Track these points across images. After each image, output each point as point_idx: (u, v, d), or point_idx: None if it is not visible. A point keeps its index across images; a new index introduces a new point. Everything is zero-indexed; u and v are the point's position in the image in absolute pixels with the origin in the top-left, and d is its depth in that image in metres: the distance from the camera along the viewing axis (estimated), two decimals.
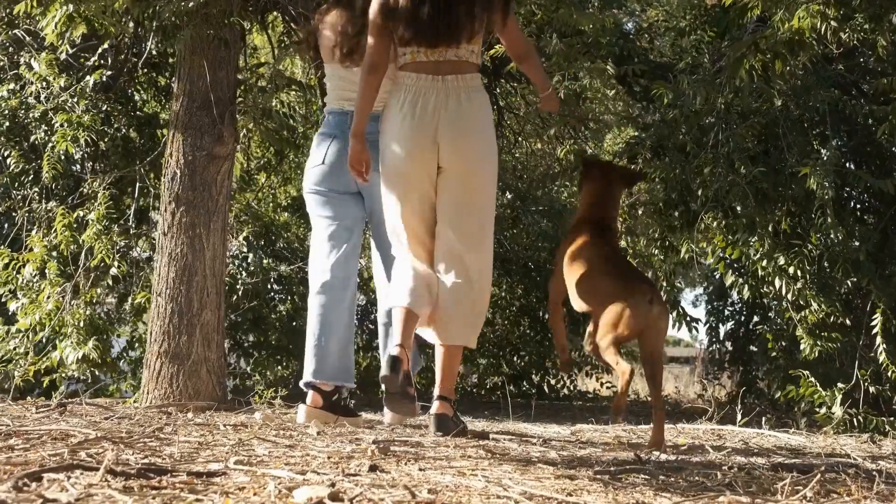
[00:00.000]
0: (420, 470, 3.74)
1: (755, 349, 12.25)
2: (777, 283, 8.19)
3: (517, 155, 13.12)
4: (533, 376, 12.67)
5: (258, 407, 6.80)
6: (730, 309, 12.42)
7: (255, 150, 12.44)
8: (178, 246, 6.50)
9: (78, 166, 9.34)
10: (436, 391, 5.38)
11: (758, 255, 8.20)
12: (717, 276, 12.69)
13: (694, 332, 11.75)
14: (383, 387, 5.18)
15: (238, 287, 10.14)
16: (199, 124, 6.56)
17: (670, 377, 21.89)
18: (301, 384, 5.90)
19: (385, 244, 5.68)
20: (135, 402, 6.81)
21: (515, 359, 12.83)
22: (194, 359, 6.41)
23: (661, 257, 9.13)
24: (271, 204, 12.77)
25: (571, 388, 12.96)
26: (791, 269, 8.11)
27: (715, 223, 8.52)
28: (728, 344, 12.58)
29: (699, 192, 8.66)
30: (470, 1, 5.09)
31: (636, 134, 9.24)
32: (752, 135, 8.50)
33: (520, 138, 12.77)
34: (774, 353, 9.26)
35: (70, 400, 6.44)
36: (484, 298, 5.43)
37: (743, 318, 12.42)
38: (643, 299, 5.43)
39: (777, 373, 9.54)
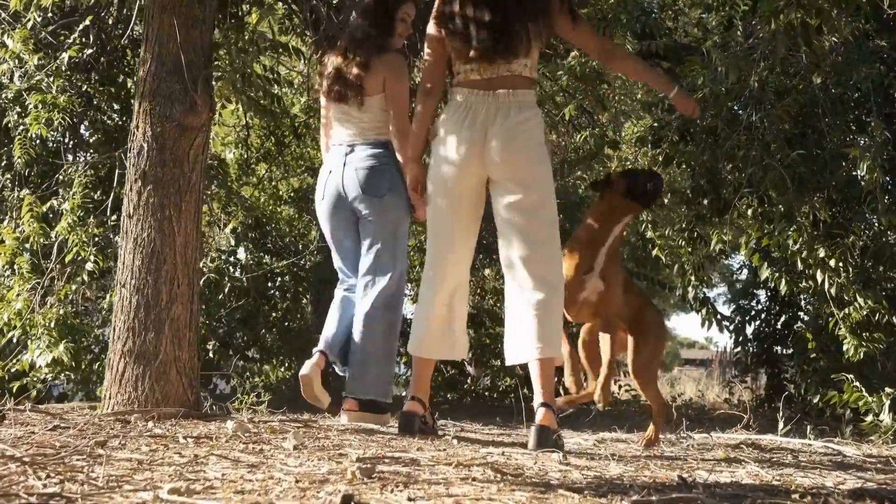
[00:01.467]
0: (409, 501, 2.84)
1: (784, 350, 11.32)
2: (819, 276, 7.27)
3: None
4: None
5: (237, 415, 5.88)
6: (756, 307, 11.44)
7: (255, 139, 11.61)
8: (145, 230, 5.56)
9: (56, 151, 8.44)
10: (536, 400, 5.03)
11: (797, 247, 7.29)
12: (744, 273, 11.82)
13: (725, 332, 10.79)
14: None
15: (225, 284, 9.17)
16: (168, 91, 5.62)
17: (689, 380, 21.01)
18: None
19: (372, 268, 5.76)
20: (93, 408, 5.91)
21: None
22: (162, 359, 5.47)
23: (689, 249, 8.21)
24: (268, 197, 11.89)
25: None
26: (832, 262, 7.20)
27: (749, 211, 7.58)
28: (754, 345, 11.58)
29: (731, 178, 7.77)
30: (525, 17, 4.99)
31: (661, 117, 8.29)
32: (788, 115, 7.57)
33: None
34: (814, 355, 8.29)
35: (17, 407, 5.50)
36: (560, 305, 5.09)
37: (771, 316, 11.45)
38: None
39: (814, 376, 8.58)
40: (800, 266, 7.37)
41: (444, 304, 5.26)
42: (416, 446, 4.64)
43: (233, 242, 9.91)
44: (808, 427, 6.89)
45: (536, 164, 4.97)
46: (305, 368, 5.49)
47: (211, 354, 9.17)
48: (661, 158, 8.16)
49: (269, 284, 10.00)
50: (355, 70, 5.71)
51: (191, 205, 5.63)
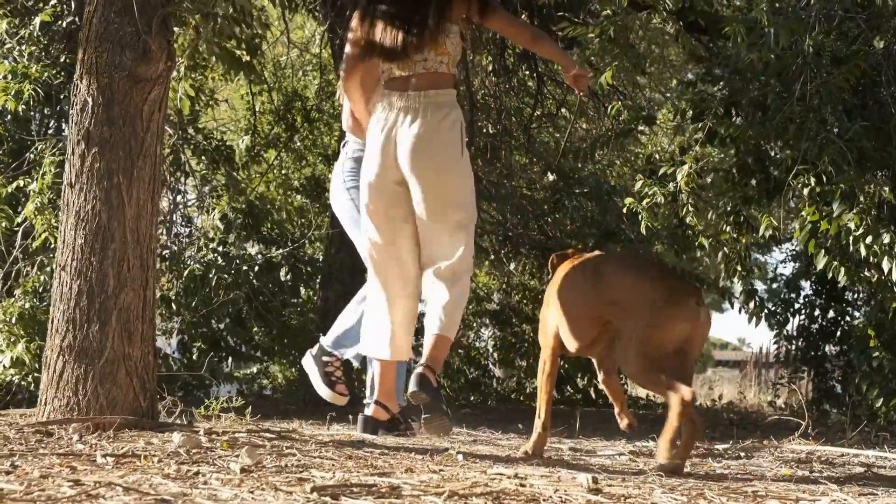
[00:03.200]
0: None
1: (832, 348, 10.21)
2: (885, 265, 6.16)
3: (561, 124, 11.11)
4: (578, 380, 10.56)
5: (201, 423, 4.81)
6: (800, 302, 10.29)
7: (264, 127, 10.61)
8: (89, 201, 4.45)
9: (32, 127, 7.45)
10: (423, 359, 4.79)
11: (859, 231, 6.18)
12: (785, 267, 10.70)
13: (774, 327, 9.67)
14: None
15: (211, 276, 8.04)
16: (117, 35, 4.51)
17: (723, 382, 19.90)
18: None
19: None
20: (22, 416, 4.86)
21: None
22: (109, 357, 4.36)
23: (734, 235, 7.11)
24: (277, 185, 10.87)
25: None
26: None
27: (806, 191, 6.47)
28: (799, 342, 10.44)
29: (782, 156, 6.69)
30: (428, 9, 4.95)
31: (703, 88, 7.20)
32: (848, 84, 6.51)
33: (562, 108, 10.77)
34: (876, 353, 7.16)
35: None
36: (466, 298, 5.08)
37: (817, 312, 10.31)
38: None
39: (876, 376, 7.45)
40: (863, 253, 6.26)
41: (406, 303, 5.12)
42: (405, 466, 3.55)
43: (222, 229, 8.75)
44: (872, 434, 5.78)
45: (448, 169, 4.92)
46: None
47: (195, 355, 8.12)
48: (701, 135, 7.08)
49: (265, 277, 8.83)
50: None
51: (144, 171, 4.52)
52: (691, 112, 7.31)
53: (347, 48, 5.15)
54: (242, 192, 8.40)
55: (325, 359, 5.54)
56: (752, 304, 7.24)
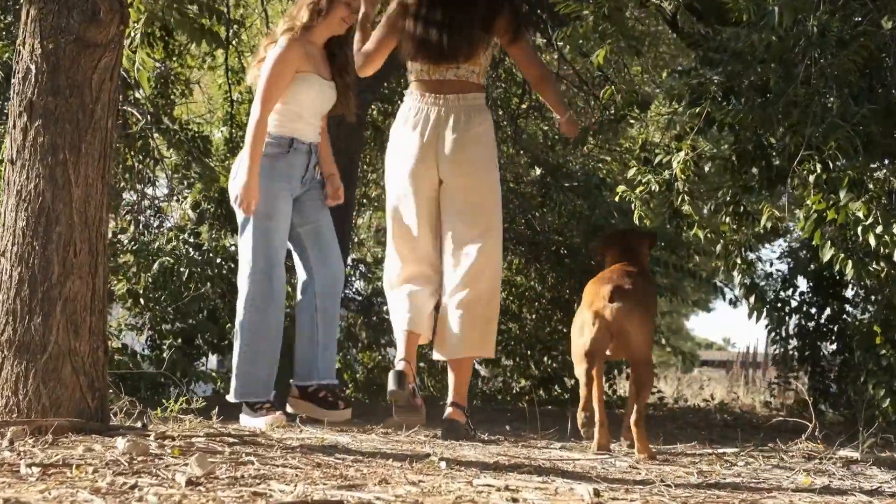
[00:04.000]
0: None
1: (830, 347, 9.74)
2: None
3: (549, 115, 10.62)
4: (567, 379, 10.06)
5: (156, 427, 4.30)
6: (796, 299, 9.80)
7: (242, 117, 10.07)
8: (32, 180, 3.94)
9: None
10: (449, 398, 5.28)
11: (869, 220, 5.74)
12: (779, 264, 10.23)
13: (775, 325, 9.20)
14: (391, 400, 5.10)
15: (182, 269, 7.48)
16: None
17: (711, 382, 19.50)
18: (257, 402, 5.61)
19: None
20: None
21: (546, 359, 10.29)
22: (53, 352, 3.85)
23: (734, 226, 6.66)
24: None
25: (611, 393, 10.36)
26: None
27: (812, 178, 6.02)
28: (795, 341, 9.94)
29: (785, 142, 6.24)
30: (469, 22, 5.10)
31: (700, 72, 6.73)
32: (855, 66, 6.07)
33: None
34: (885, 352, 6.70)
35: None
36: (494, 306, 5.34)
37: (813, 310, 9.82)
38: (604, 301, 4.67)
39: (883, 376, 6.98)
40: (872, 243, 5.80)
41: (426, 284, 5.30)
42: (379, 477, 3.07)
43: (194, 219, 8.17)
44: (879, 436, 5.33)
45: (486, 171, 5.19)
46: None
47: (165, 354, 7.59)
48: (698, 121, 6.62)
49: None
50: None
51: (94, 147, 4.00)
52: (687, 97, 6.86)
53: (379, 33, 5.21)
54: (216, 181, 7.84)
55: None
56: (752, 299, 6.78)
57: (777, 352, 10.30)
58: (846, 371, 9.49)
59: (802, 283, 9.83)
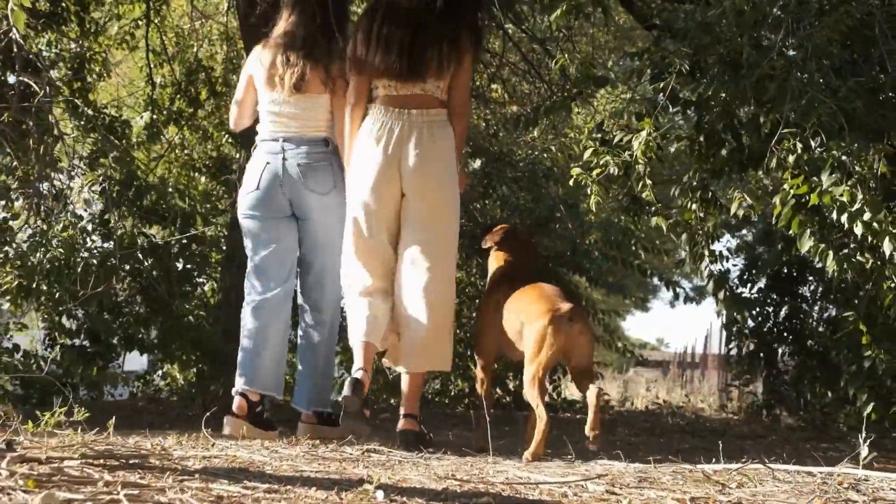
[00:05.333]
0: None
1: (785, 348, 9.07)
2: (887, 246, 5.01)
3: (493, 97, 9.85)
4: (508, 381, 9.26)
5: (25, 444, 3.43)
6: (754, 295, 9.11)
7: (164, 100, 9.20)
8: None
9: None
10: (402, 410, 5.21)
11: (856, 207, 5.03)
12: (738, 255, 9.52)
13: (743, 322, 8.53)
14: (343, 405, 4.99)
15: (79, 260, 6.50)
16: None
17: (646, 383, 18.89)
18: (233, 392, 5.55)
19: (310, 265, 5.74)
20: None
21: (478, 367, 9.39)
22: None
23: (701, 214, 5.93)
24: (181, 166, 9.46)
25: (555, 396, 9.59)
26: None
27: (791, 158, 5.28)
28: (752, 341, 9.27)
29: (761, 119, 5.53)
30: (441, 43, 5.14)
31: (663, 45, 5.99)
32: (840, 35, 5.41)
33: (493, 83, 9.52)
34: (870, 352, 5.97)
35: None
36: (450, 320, 5.34)
37: (770, 308, 9.14)
38: (563, 317, 4.84)
39: (867, 380, 6.25)
40: (858, 232, 5.07)
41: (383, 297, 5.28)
42: None
43: (98, 207, 7.17)
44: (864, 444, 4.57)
45: (447, 187, 5.19)
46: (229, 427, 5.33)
47: (59, 356, 6.68)
48: (662, 97, 5.88)
49: (147, 262, 7.26)
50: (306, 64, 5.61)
51: None
52: (649, 73, 6.10)
53: (353, 72, 5.26)
54: (121, 161, 6.91)
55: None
56: (721, 294, 6.01)
57: (732, 352, 9.63)
58: (803, 373, 8.84)
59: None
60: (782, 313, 9.13)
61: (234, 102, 5.91)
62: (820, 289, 9.07)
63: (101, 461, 3.09)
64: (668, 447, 6.20)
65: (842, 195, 5.08)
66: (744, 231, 9.88)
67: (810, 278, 9.15)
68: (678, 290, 9.11)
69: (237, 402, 5.39)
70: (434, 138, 5.13)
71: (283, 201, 5.57)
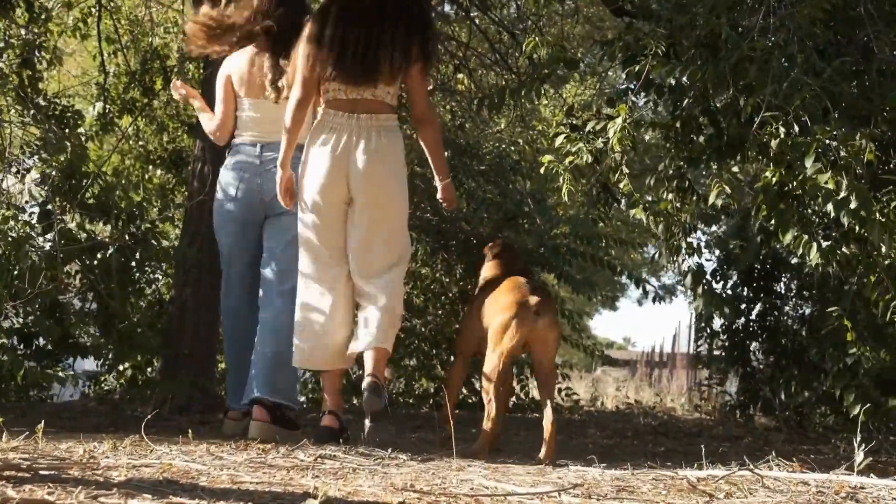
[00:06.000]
0: None
1: (759, 346, 8.75)
2: (875, 238, 4.68)
3: (456, 97, 9.47)
4: (474, 380, 8.85)
5: None
6: (728, 292, 8.76)
7: (118, 90, 8.76)
8: None
9: None
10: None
11: (843, 195, 4.68)
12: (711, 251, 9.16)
13: (726, 318, 8.21)
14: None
15: (20, 256, 5.99)
16: None
17: (612, 382, 18.60)
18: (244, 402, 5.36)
19: (276, 259, 5.53)
20: None
21: (453, 359, 9.01)
22: None
23: (677, 204, 5.57)
24: (135, 158, 9.02)
25: (524, 395, 9.22)
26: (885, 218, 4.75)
27: (774, 143, 4.94)
28: (720, 340, 8.93)
29: (741, 103, 5.19)
30: (393, 48, 5.04)
31: (637, 26, 5.64)
32: (824, 13, 5.09)
33: (459, 73, 9.13)
34: (855, 350, 5.61)
35: None
36: (399, 318, 5.14)
37: (743, 305, 8.80)
38: (530, 309, 4.78)
39: (853, 380, 5.90)
40: (845, 222, 4.72)
41: (343, 316, 5.19)
42: None
43: (39, 196, 6.67)
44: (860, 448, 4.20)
45: (395, 190, 5.07)
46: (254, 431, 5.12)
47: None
48: (637, 82, 5.52)
49: (88, 260, 6.76)
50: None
51: None
52: (622, 55, 5.73)
53: (303, 71, 5.08)
54: (62, 150, 6.44)
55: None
56: (700, 290, 5.64)
57: (703, 350, 9.29)
58: (777, 372, 8.50)
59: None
60: (755, 310, 8.80)
61: (217, 112, 5.72)
62: (794, 285, 8.76)
63: (13, 472, 2.68)
64: (642, 450, 5.86)
65: (826, 183, 4.74)
66: (713, 227, 9.50)
67: (784, 275, 8.83)
68: (647, 287, 8.77)
69: (255, 410, 5.23)
70: (382, 143, 5.04)
71: (260, 209, 5.54)
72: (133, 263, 7.03)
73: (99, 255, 6.77)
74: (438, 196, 5.40)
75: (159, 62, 8.88)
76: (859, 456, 3.84)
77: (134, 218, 6.82)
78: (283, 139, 5.18)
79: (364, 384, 4.82)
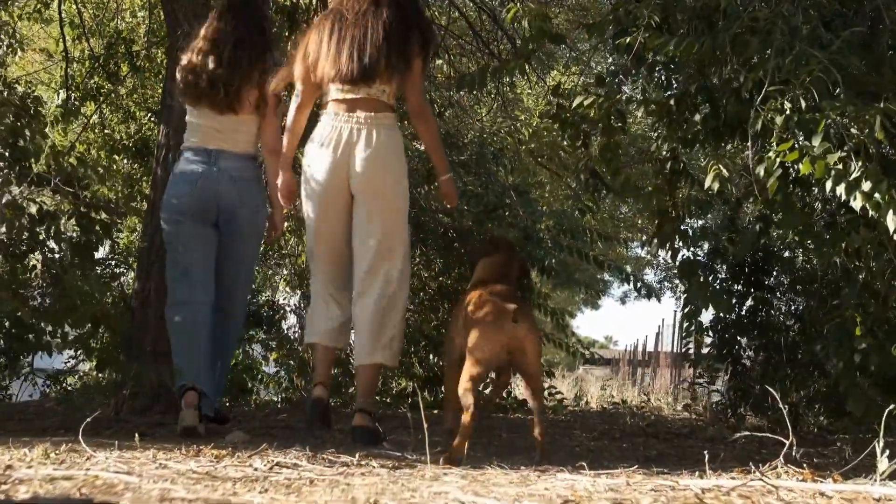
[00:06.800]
0: None
1: (750, 342, 8.29)
2: (891, 220, 4.22)
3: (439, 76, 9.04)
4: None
5: None
6: (716, 287, 8.29)
7: (82, 76, 8.29)
8: None
9: None
10: (356, 404, 5.17)
11: (854, 176, 4.24)
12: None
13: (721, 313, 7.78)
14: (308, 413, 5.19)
15: None
16: None
17: (594, 380, 18.19)
18: (178, 386, 5.32)
19: (224, 274, 5.62)
20: None
21: (431, 356, 8.61)
22: None
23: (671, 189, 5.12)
24: (100, 147, 8.53)
25: (505, 395, 8.77)
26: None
27: (779, 120, 4.48)
28: (709, 337, 8.48)
29: (741, 79, 4.74)
30: (389, 47, 5.08)
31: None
32: None
33: (439, 60, 8.69)
34: (864, 344, 5.16)
35: None
36: (398, 318, 5.25)
37: (733, 300, 8.34)
38: (507, 316, 4.61)
39: (862, 378, 5.45)
40: (857, 205, 4.27)
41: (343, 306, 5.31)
42: None
43: None
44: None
45: (395, 187, 5.13)
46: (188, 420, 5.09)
47: None
48: (627, 56, 5.08)
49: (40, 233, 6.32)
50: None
51: None
52: (612, 29, 5.28)
53: (300, 71, 5.20)
54: (50, 150, 6.06)
55: None
56: (693, 280, 5.18)
57: (690, 348, 8.83)
58: (770, 370, 8.04)
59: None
60: (746, 305, 8.34)
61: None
62: (785, 279, 8.31)
63: None
64: (632, 453, 5.41)
65: (836, 163, 4.29)
66: (701, 221, 9.05)
67: (776, 268, 8.38)
68: (638, 281, 8.34)
69: (189, 394, 5.23)
70: (381, 140, 5.09)
71: (213, 210, 5.53)
72: (87, 235, 6.51)
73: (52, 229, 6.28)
74: (440, 190, 5.50)
75: (124, 47, 8.44)
76: (883, 463, 3.38)
77: (84, 187, 6.29)
78: (283, 140, 5.36)
79: (353, 423, 4.95)
